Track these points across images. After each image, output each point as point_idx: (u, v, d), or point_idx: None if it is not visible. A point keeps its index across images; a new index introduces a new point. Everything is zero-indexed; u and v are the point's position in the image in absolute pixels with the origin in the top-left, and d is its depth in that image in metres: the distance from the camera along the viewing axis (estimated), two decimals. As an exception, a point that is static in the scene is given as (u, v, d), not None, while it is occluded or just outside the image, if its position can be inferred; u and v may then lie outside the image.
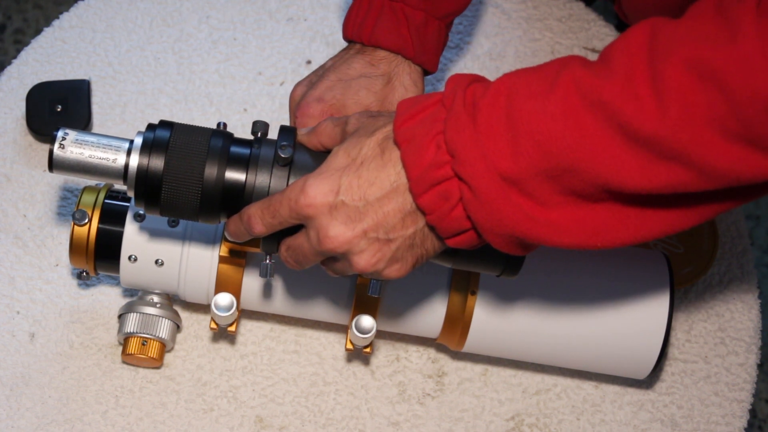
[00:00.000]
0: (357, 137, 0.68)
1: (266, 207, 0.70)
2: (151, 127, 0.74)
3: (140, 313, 0.89)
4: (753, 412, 1.74)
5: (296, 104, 0.89)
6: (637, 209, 0.63)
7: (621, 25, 1.21)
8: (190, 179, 0.73)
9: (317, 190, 0.67)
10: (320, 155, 0.75)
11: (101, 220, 0.86)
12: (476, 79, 0.66)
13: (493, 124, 0.62)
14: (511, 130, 0.62)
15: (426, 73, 0.91)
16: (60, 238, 0.97)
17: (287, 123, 1.04)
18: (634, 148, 0.59)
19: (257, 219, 0.71)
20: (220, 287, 0.86)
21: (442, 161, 0.63)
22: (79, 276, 0.89)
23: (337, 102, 0.86)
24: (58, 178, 1.00)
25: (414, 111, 0.66)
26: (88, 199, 0.87)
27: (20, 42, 1.90)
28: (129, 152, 0.74)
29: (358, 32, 0.88)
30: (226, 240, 0.83)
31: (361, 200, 0.66)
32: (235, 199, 0.73)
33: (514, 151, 0.62)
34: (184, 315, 0.95)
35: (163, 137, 0.73)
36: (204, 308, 0.95)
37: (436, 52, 0.90)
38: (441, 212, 0.65)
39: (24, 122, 1.02)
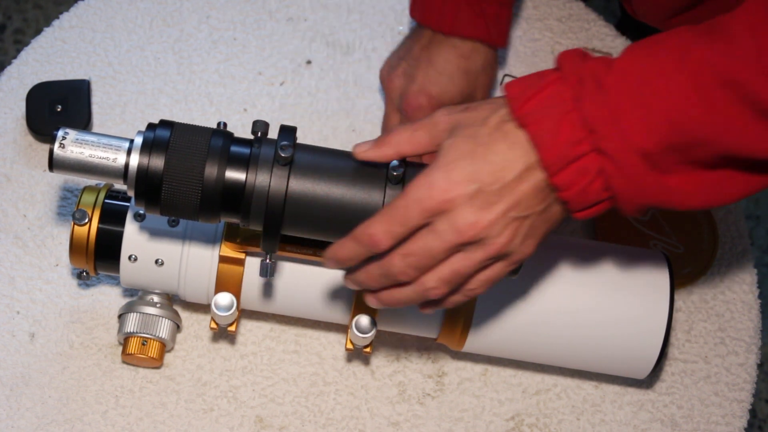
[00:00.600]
0: (466, 128, 0.69)
1: (390, 218, 0.69)
2: (151, 126, 0.74)
3: (140, 313, 0.89)
4: (753, 412, 1.74)
5: (398, 96, 0.97)
6: (746, 172, 0.68)
7: (620, 25, 1.20)
8: (190, 179, 0.73)
9: (449, 183, 0.67)
10: (323, 156, 0.75)
11: (101, 220, 0.86)
12: (586, 55, 0.68)
13: (625, 102, 0.65)
14: (643, 107, 0.65)
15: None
16: (60, 238, 0.97)
17: (288, 123, 1.04)
18: (764, 122, 0.64)
19: (382, 234, 0.69)
20: (220, 287, 0.86)
21: (580, 138, 0.66)
22: (79, 276, 0.89)
23: (442, 93, 0.96)
24: (58, 178, 1.00)
25: (531, 92, 0.67)
26: (88, 198, 0.87)
27: (20, 42, 1.90)
28: (129, 152, 0.74)
29: (439, 23, 0.96)
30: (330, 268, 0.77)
31: (497, 183, 0.67)
32: (236, 198, 0.73)
33: (648, 127, 0.65)
34: (184, 315, 0.95)
35: (163, 137, 0.73)
36: (204, 308, 0.95)
37: (506, 32, 0.99)
38: (579, 187, 0.67)
39: (24, 122, 1.02)
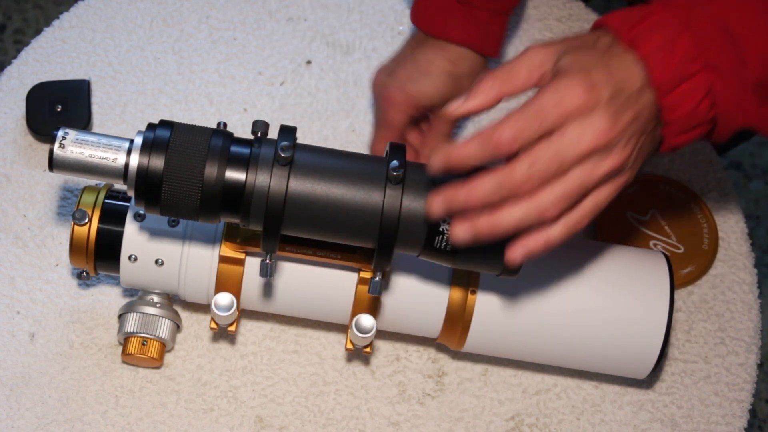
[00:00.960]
0: (578, 50, 0.69)
1: (524, 119, 0.66)
2: (151, 126, 0.74)
3: (140, 313, 0.89)
4: (753, 412, 1.74)
5: (379, 91, 0.96)
6: None
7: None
8: (190, 179, 0.73)
9: (590, 84, 0.66)
10: (323, 156, 0.75)
11: (101, 220, 0.86)
12: None
13: (719, 37, 0.69)
14: (735, 45, 0.69)
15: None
16: (60, 238, 0.97)
17: (288, 123, 1.04)
18: None
19: (513, 134, 0.66)
20: (220, 287, 0.86)
21: (693, 56, 0.68)
22: (79, 276, 0.89)
23: (417, 92, 0.93)
24: (58, 178, 1.00)
25: (636, 19, 0.69)
26: (88, 198, 0.87)
27: (20, 42, 1.90)
28: (129, 152, 0.74)
29: (428, 26, 0.94)
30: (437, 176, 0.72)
31: (625, 91, 0.67)
32: (235, 198, 0.73)
33: (741, 64, 0.69)
34: (184, 315, 0.95)
35: (163, 137, 0.73)
36: (204, 308, 0.95)
37: (499, 42, 0.96)
38: (688, 106, 0.69)
39: (24, 122, 1.03)
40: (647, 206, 1.04)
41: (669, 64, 0.68)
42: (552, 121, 0.66)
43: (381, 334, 0.95)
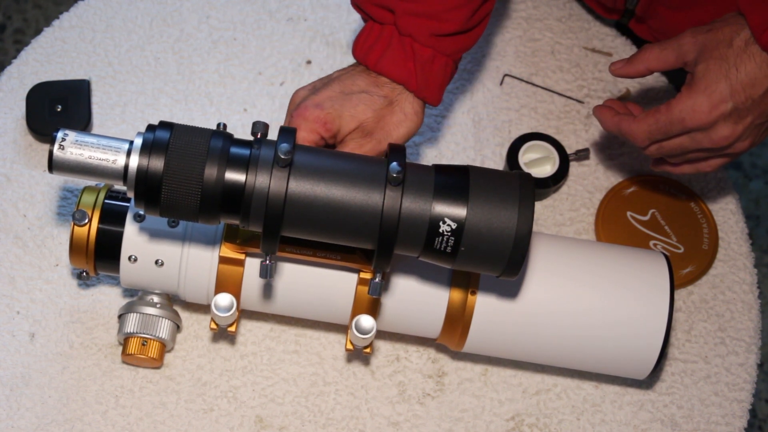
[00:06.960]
0: (714, 50, 0.82)
1: (654, 128, 0.84)
2: (150, 128, 0.74)
3: (140, 313, 0.89)
4: (753, 412, 1.74)
5: (295, 106, 0.87)
6: None
7: (619, 25, 1.20)
8: (189, 180, 0.73)
9: (711, 106, 0.81)
10: (322, 157, 0.75)
11: (101, 221, 0.86)
12: None
13: None
14: None
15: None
16: (60, 238, 0.97)
17: (287, 123, 1.04)
18: None
19: (643, 136, 0.85)
20: (220, 287, 0.86)
21: None
22: (79, 276, 0.89)
23: (335, 112, 0.85)
24: (58, 178, 1.00)
25: None
26: (88, 199, 0.87)
27: (20, 42, 1.90)
28: (129, 153, 0.74)
29: (365, 57, 0.87)
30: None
31: (748, 100, 0.82)
32: (235, 200, 0.73)
33: None
34: (184, 315, 0.95)
35: (162, 138, 0.73)
36: (204, 308, 0.95)
37: (440, 88, 0.88)
38: None
39: (24, 122, 1.03)
40: (647, 206, 1.04)
41: None
42: (676, 132, 0.84)
43: (381, 335, 0.95)
